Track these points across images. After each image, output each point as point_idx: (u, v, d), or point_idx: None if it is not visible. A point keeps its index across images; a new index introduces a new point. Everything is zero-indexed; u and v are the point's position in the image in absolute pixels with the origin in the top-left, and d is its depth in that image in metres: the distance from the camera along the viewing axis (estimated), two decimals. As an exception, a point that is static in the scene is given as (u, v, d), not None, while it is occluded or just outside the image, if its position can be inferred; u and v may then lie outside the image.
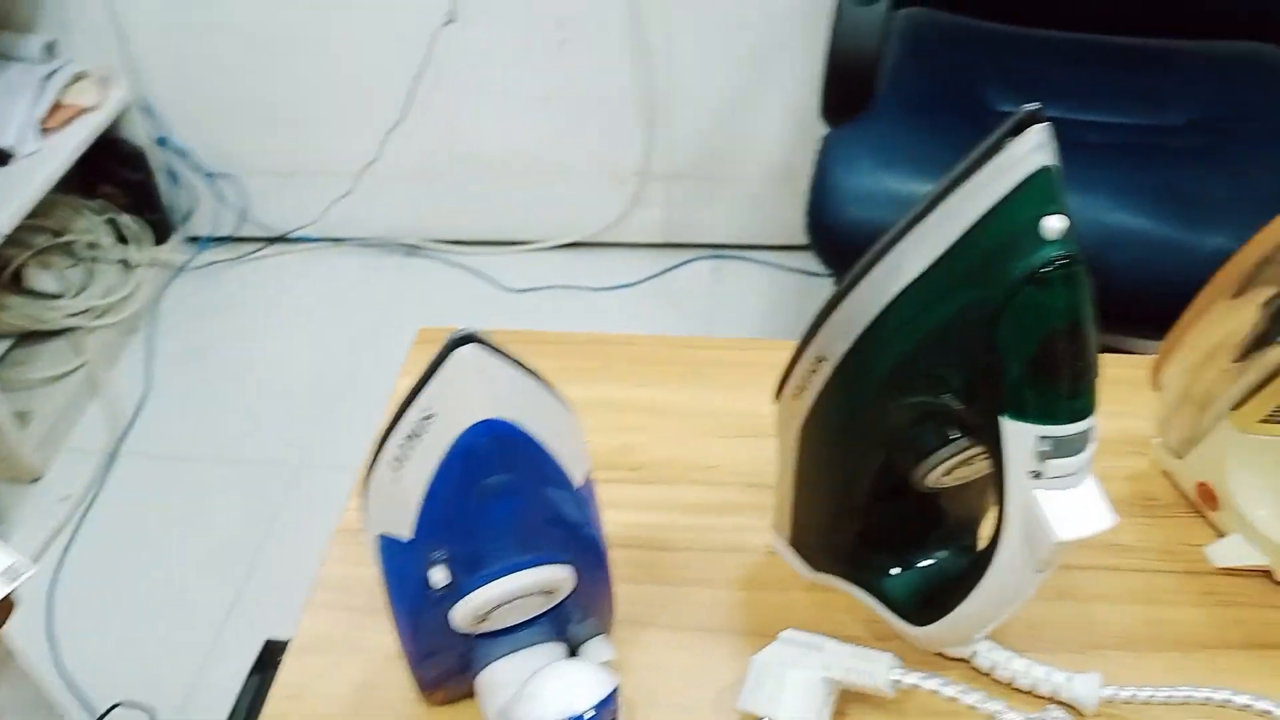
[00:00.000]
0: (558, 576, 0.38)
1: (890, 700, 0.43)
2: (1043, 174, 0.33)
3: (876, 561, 0.47)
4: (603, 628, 0.45)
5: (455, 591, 0.37)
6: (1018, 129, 0.33)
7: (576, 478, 0.37)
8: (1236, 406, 0.47)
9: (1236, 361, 0.46)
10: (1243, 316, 0.46)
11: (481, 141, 1.72)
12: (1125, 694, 0.43)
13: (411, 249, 1.86)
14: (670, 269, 1.83)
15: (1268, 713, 0.41)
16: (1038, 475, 0.35)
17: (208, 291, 1.80)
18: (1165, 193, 1.07)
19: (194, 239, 1.84)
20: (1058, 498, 0.35)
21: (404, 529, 0.35)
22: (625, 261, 1.84)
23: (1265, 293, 0.45)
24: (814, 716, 0.41)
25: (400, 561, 0.37)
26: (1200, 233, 1.04)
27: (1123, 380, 0.55)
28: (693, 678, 0.45)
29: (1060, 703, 0.44)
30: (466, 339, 0.32)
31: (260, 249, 1.85)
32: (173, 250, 1.80)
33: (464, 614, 0.37)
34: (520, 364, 0.34)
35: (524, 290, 1.79)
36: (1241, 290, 0.47)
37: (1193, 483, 0.52)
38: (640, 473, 0.55)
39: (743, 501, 0.53)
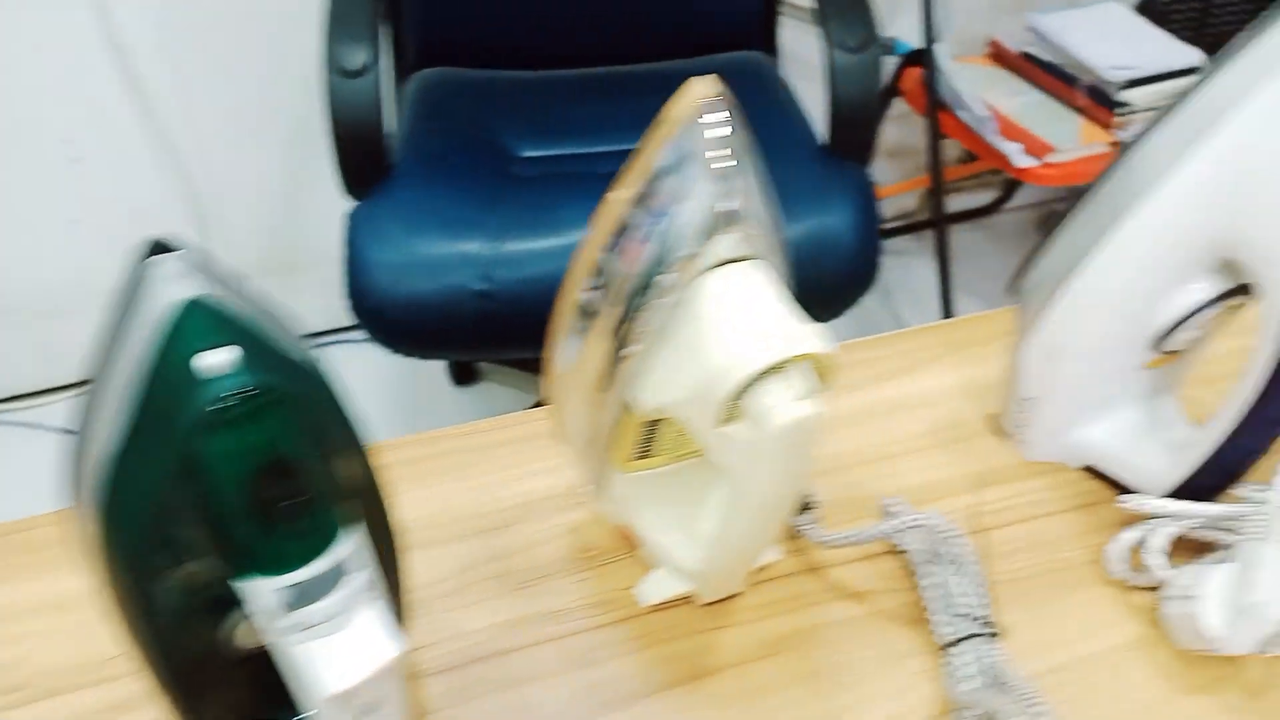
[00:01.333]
0: None
1: None
2: (186, 310, 0.29)
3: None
4: None
5: None
6: (148, 264, 0.29)
7: None
8: (611, 447, 0.46)
9: (600, 395, 0.46)
10: (595, 346, 0.45)
11: (7, 284, 1.52)
12: (547, 784, 0.41)
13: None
14: (275, 370, 1.71)
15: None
16: (294, 629, 0.31)
17: None
18: (678, 206, 1.13)
19: None
20: (320, 648, 0.32)
21: None
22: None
23: (607, 318, 0.44)
24: None
25: None
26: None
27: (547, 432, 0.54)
28: None
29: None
30: None
31: None
32: None
33: None
34: None
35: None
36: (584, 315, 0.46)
37: (617, 525, 0.51)
38: (23, 693, 0.46)
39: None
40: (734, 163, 0.37)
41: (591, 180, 1.19)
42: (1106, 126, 1.41)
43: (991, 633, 0.45)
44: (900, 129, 1.82)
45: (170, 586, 0.34)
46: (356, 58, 1.09)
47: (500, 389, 1.75)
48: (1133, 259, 0.45)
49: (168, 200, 1.53)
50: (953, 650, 0.45)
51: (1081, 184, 2.02)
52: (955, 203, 1.99)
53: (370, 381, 1.69)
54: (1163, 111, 0.43)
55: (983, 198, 2.02)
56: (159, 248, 0.30)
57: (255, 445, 0.30)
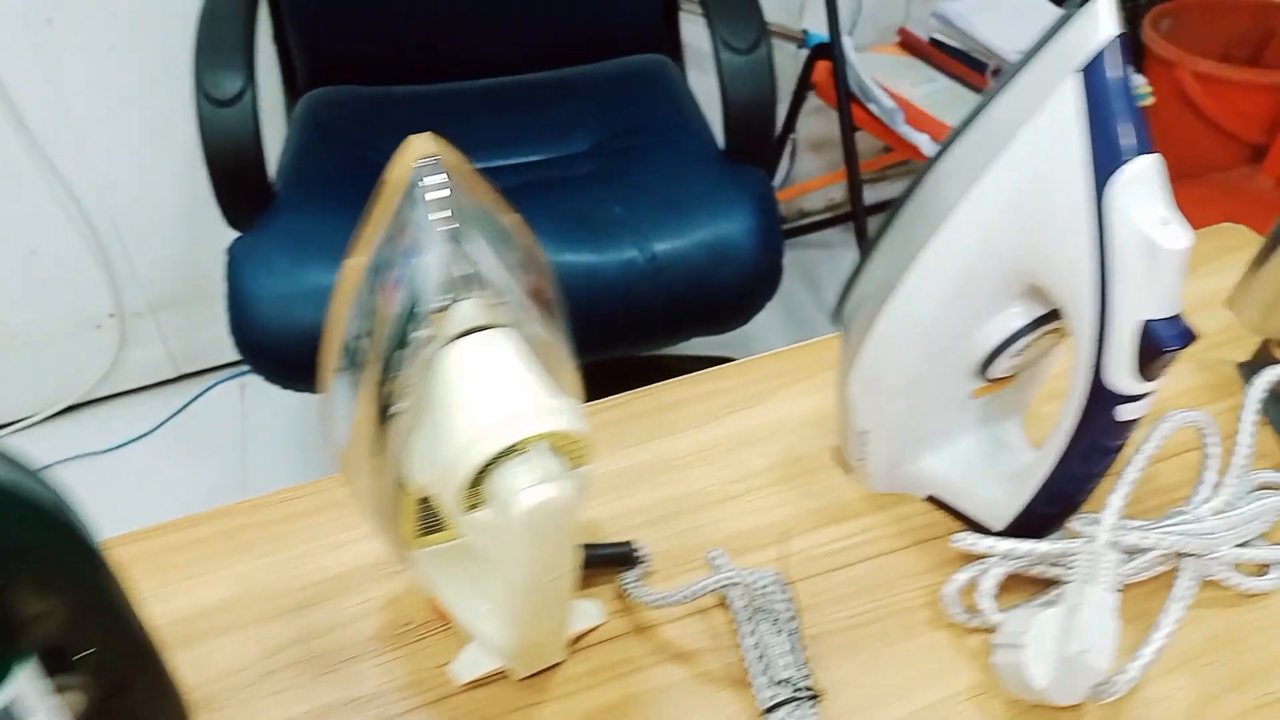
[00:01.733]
0: None
1: None
2: None
3: None
4: None
5: None
6: None
7: None
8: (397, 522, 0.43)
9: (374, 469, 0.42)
10: (362, 413, 0.42)
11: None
12: None
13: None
14: (190, 402, 1.66)
15: None
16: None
17: None
18: (573, 221, 1.10)
19: None
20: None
21: None
22: (136, 409, 1.66)
23: (367, 377, 0.41)
24: None
25: None
26: (605, 250, 1.06)
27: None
28: None
29: None
30: None
31: None
32: None
33: None
34: None
35: (19, 479, 1.55)
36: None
37: (428, 598, 0.48)
38: None
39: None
40: (456, 225, 0.34)
41: (485, 197, 1.16)
42: (1015, 111, 1.39)
43: (810, 695, 0.42)
44: (820, 121, 1.79)
45: None
46: (229, 85, 1.05)
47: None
48: (939, 287, 0.42)
49: (66, 236, 1.47)
50: (771, 717, 0.42)
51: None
52: (885, 191, 1.97)
53: (289, 417, 1.64)
54: (957, 129, 0.40)
55: (911, 184, 2.00)
56: None
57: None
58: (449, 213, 0.35)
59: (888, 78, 1.49)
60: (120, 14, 1.34)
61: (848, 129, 1.49)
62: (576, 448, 0.34)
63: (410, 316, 0.34)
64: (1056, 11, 1.48)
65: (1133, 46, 1.61)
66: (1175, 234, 0.36)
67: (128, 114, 1.42)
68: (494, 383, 0.34)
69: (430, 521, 0.43)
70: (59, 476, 1.49)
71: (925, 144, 1.38)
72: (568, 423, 0.33)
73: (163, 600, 0.49)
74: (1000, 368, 0.45)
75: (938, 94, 1.45)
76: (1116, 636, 0.41)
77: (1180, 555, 0.45)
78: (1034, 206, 0.38)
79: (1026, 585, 0.47)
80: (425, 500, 0.41)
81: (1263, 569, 0.47)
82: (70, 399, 1.62)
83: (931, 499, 0.52)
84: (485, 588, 0.44)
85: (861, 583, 0.49)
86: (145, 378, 1.67)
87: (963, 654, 0.46)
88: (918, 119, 1.41)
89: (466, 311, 0.35)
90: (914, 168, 1.94)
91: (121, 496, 1.48)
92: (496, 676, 0.46)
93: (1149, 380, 0.39)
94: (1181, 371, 0.58)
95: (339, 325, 0.39)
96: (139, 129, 1.43)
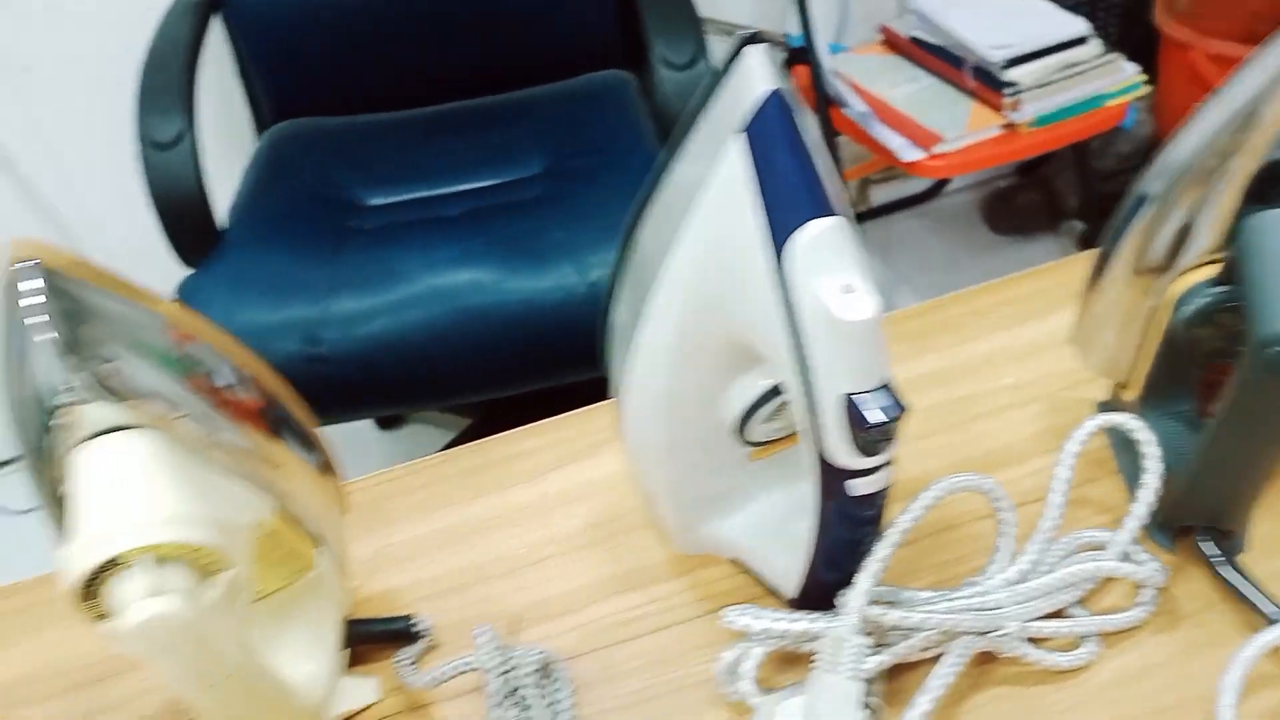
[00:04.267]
0: None
1: None
2: None
3: None
4: None
5: None
6: None
7: None
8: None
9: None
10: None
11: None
12: None
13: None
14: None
15: None
16: None
17: None
18: (513, 247, 1.08)
19: None
20: None
21: None
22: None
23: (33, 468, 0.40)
24: None
25: None
26: (542, 276, 1.05)
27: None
28: None
29: None
30: None
31: None
32: None
33: None
34: None
35: None
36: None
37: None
38: None
39: None
40: (59, 335, 0.33)
41: (435, 225, 1.16)
42: (997, 109, 1.32)
43: (549, 787, 0.40)
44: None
45: None
46: (168, 129, 1.07)
47: (427, 429, 1.73)
48: (664, 352, 0.40)
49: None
50: (506, 810, 0.40)
51: (974, 171, 1.92)
52: (894, 190, 1.91)
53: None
54: (652, 181, 0.37)
55: (921, 184, 1.93)
56: None
57: None
58: (47, 318, 0.33)
59: (870, 78, 1.44)
60: (90, 59, 1.38)
61: (828, 134, 1.44)
62: (207, 557, 0.33)
63: (41, 410, 0.33)
64: (1039, 5, 1.40)
65: (1143, 29, 1.53)
66: (858, 303, 0.33)
67: (114, 154, 1.46)
68: (108, 489, 0.33)
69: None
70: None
71: (903, 148, 1.33)
72: (180, 534, 0.32)
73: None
74: (759, 433, 0.42)
75: (920, 93, 1.40)
76: (848, 729, 0.38)
77: (957, 634, 0.41)
78: (724, 274, 0.35)
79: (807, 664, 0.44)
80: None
81: (1076, 643, 0.43)
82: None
83: (735, 562, 0.49)
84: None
85: (647, 656, 0.46)
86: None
87: (739, 735, 0.43)
88: (896, 121, 1.36)
89: (98, 413, 0.34)
90: (896, 173, 1.88)
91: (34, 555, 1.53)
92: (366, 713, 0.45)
93: (869, 455, 0.36)
94: (1033, 414, 0.54)
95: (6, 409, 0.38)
96: (124, 168, 1.47)
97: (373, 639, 0.47)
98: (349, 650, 0.47)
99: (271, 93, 1.33)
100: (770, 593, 0.47)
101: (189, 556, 0.33)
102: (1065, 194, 1.80)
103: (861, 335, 0.33)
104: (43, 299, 0.33)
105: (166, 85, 1.10)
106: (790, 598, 0.45)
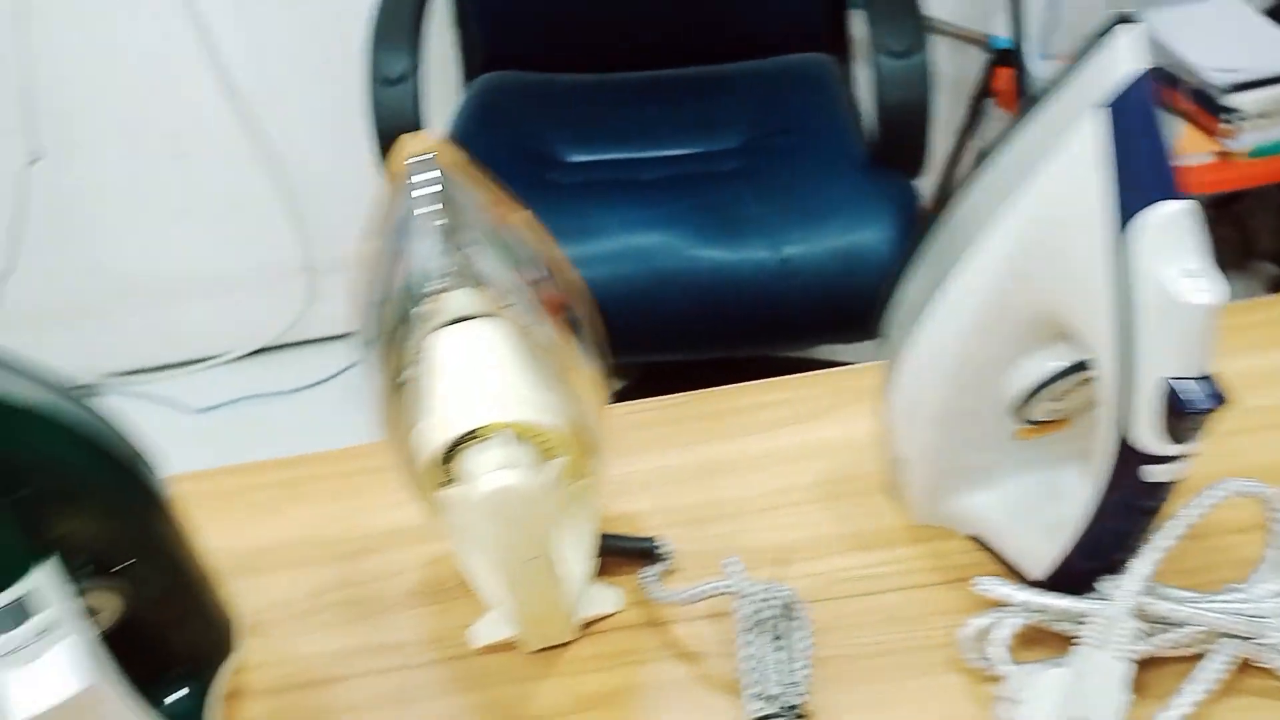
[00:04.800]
0: None
1: None
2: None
3: None
4: None
5: None
6: None
7: None
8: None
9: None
10: (382, 380, 0.45)
11: (125, 267, 1.66)
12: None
13: (86, 389, 1.76)
14: (364, 357, 1.80)
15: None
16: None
17: None
18: (708, 216, 1.11)
19: None
20: (13, 677, 0.33)
21: None
22: (316, 358, 1.80)
23: (380, 349, 0.44)
24: None
25: None
26: (738, 249, 1.07)
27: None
28: None
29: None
30: None
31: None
32: None
33: None
34: None
35: (210, 408, 1.72)
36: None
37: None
38: None
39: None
40: (445, 221, 0.36)
41: (631, 187, 1.19)
42: (1211, 134, 1.28)
43: (796, 716, 0.42)
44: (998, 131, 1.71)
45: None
46: (396, 66, 1.13)
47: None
48: (965, 321, 0.41)
49: (267, 193, 1.62)
50: (752, 729, 0.42)
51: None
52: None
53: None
54: (985, 156, 0.39)
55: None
56: None
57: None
58: (439, 207, 0.37)
59: (1075, 90, 1.40)
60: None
61: (1024, 141, 1.41)
62: (548, 440, 0.36)
63: (409, 297, 0.37)
64: (1273, 31, 1.34)
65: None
66: (1202, 288, 0.33)
67: (327, 87, 1.54)
68: (469, 370, 0.36)
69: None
70: (243, 411, 1.64)
71: (1105, 163, 1.29)
72: (534, 415, 0.35)
73: (227, 535, 0.54)
74: (1039, 411, 0.43)
75: (1128, 110, 1.36)
76: (1123, 710, 0.39)
77: (1221, 636, 0.41)
78: (1053, 249, 0.36)
79: (1058, 642, 0.45)
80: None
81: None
82: (260, 342, 1.78)
83: (974, 538, 0.50)
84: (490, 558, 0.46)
85: (885, 613, 0.48)
86: (327, 330, 1.81)
87: (973, 701, 0.44)
88: (1100, 136, 1.32)
89: (457, 301, 0.37)
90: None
91: (297, 434, 1.62)
92: (509, 645, 0.49)
93: (1178, 442, 0.36)
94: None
95: (359, 299, 0.42)
96: (335, 101, 1.55)
97: (619, 553, 0.50)
98: (598, 560, 0.50)
99: (484, 43, 1.38)
100: (1010, 571, 0.48)
101: (536, 438, 0.36)
102: (1260, 234, 1.72)
103: (1199, 321, 0.34)
104: (437, 188, 0.36)
105: (399, 24, 1.16)
106: (1034, 578, 0.46)
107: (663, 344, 1.13)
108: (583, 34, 1.38)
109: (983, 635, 0.44)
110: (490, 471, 0.34)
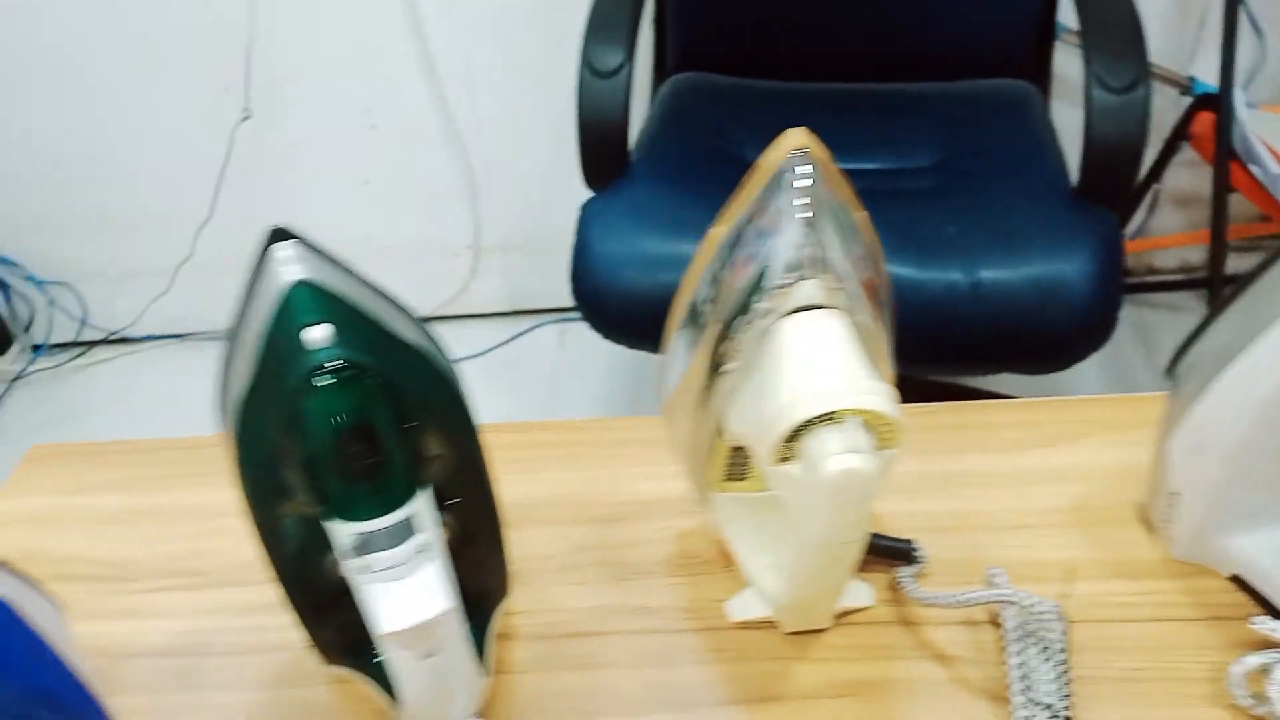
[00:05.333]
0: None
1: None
2: (296, 288, 0.35)
3: (372, 649, 0.48)
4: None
5: None
6: (270, 246, 0.35)
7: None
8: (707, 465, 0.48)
9: (698, 417, 0.48)
10: (696, 366, 0.47)
11: (308, 228, 1.74)
12: (594, 764, 0.44)
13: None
14: (517, 336, 1.85)
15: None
16: (364, 569, 0.37)
17: (51, 399, 1.79)
18: (904, 234, 1.11)
19: (35, 347, 1.84)
20: (384, 590, 0.37)
21: None
22: (471, 332, 1.86)
23: (707, 337, 0.46)
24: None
25: None
26: (929, 268, 1.07)
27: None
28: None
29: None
30: None
31: (101, 352, 1.85)
32: (12, 360, 1.80)
33: None
34: None
35: (368, 370, 1.80)
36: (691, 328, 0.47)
37: (716, 539, 0.53)
38: (204, 578, 0.56)
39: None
40: (811, 214, 0.38)
41: (820, 197, 1.20)
42: None
43: (1067, 726, 0.43)
44: (1190, 175, 1.66)
45: (286, 516, 0.41)
46: (610, 60, 1.16)
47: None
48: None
49: (444, 171, 1.69)
50: (1020, 735, 0.43)
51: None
52: (1245, 262, 1.79)
53: (599, 364, 1.79)
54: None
55: None
56: (279, 234, 0.35)
57: (342, 410, 0.35)
58: (808, 200, 0.39)
59: (1280, 140, 1.36)
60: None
61: (1222, 189, 1.37)
62: (887, 430, 0.38)
63: (756, 287, 0.39)
64: None
65: None
66: None
67: (517, 73, 1.59)
68: (822, 356, 0.38)
69: (736, 470, 0.48)
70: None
71: (1310, 218, 1.25)
72: (882, 405, 0.37)
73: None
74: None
75: (1339, 166, 1.30)
76: None
77: None
78: None
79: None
80: (737, 450, 0.46)
81: None
82: (421, 313, 1.85)
83: (1235, 579, 0.50)
84: (769, 540, 0.48)
85: (1143, 641, 0.48)
86: (485, 307, 1.87)
87: (1238, 738, 0.44)
88: (1308, 189, 1.27)
89: (806, 290, 0.39)
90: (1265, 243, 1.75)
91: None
92: (765, 624, 0.51)
93: None
94: None
95: (690, 286, 0.45)
96: (523, 88, 1.61)
97: (878, 551, 0.52)
98: (857, 556, 0.51)
99: (679, 44, 1.41)
100: (1275, 614, 0.48)
101: (880, 427, 0.38)
102: None
103: None
104: (810, 182, 0.38)
105: (617, 20, 1.19)
106: (1304, 624, 0.46)
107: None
108: (778, 41, 1.40)
109: (1258, 675, 0.44)
110: (839, 454, 0.36)
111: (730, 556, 0.52)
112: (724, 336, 0.42)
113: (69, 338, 1.84)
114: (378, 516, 0.36)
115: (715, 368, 0.43)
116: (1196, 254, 1.79)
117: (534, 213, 1.75)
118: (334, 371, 0.35)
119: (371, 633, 0.38)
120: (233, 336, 0.37)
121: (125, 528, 0.59)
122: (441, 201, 1.72)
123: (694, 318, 0.44)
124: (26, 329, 1.83)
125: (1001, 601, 0.45)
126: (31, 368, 1.82)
